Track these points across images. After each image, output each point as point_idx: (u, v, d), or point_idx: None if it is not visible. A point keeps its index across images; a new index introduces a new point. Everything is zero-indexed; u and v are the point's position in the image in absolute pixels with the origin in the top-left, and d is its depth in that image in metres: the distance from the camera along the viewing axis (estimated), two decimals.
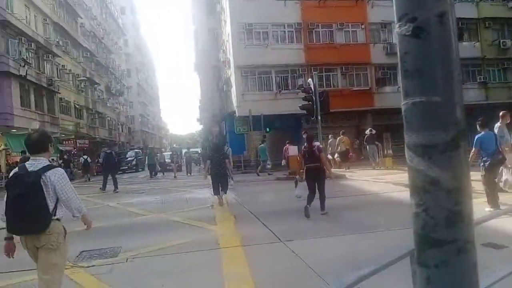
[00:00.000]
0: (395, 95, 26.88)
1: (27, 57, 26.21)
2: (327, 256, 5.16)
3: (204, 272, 4.94)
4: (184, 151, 29.05)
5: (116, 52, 57.55)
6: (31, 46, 27.01)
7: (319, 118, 16.17)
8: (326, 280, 4.16)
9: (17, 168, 3.63)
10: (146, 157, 27.53)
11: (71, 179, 18.26)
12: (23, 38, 25.88)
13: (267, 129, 23.81)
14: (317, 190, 8.22)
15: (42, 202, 3.28)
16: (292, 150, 18.57)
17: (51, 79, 30.40)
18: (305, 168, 8.32)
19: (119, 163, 23.34)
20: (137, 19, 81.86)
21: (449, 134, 1.07)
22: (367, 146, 19.53)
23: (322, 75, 26.06)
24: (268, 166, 20.09)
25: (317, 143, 8.47)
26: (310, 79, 17.27)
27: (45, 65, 30.52)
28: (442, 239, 1.09)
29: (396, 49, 1.18)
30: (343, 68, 26.66)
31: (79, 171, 30.94)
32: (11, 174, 3.60)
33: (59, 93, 32.75)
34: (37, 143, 3.55)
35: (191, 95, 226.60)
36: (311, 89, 16.44)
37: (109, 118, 49.94)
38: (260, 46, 25.73)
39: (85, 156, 28.92)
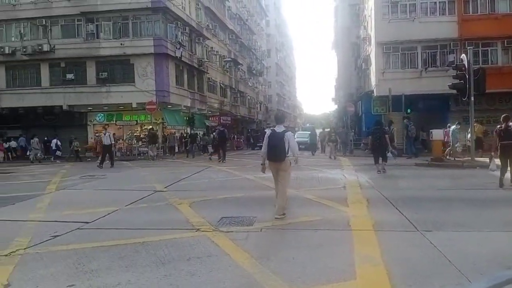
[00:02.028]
0: None
1: (182, 40, 29.20)
2: (470, 252, 4.66)
3: (334, 250, 4.95)
4: (319, 131, 29.21)
5: (258, 33, 60.02)
6: (185, 30, 29.98)
7: (472, 99, 14.42)
8: (468, 277, 3.77)
9: (269, 130, 7.25)
10: (309, 136, 28.51)
11: (192, 153, 19.35)
12: (179, 22, 28.85)
13: (408, 110, 22.21)
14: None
15: (284, 147, 6.75)
16: (437, 134, 17.02)
17: (201, 60, 33.42)
18: (499, 145, 9.35)
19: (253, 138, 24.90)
20: None
21: None
22: None
23: (478, 51, 23.08)
24: (458, 150, 18.23)
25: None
26: (463, 55, 15.43)
27: (197, 47, 33.62)
28: None
29: None
30: (505, 42, 23.12)
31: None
32: (267, 133, 7.06)
33: (208, 73, 35.84)
34: (280, 118, 7.70)
35: (327, 75, 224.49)
36: (464, 66, 14.69)
37: (249, 97, 52.84)
38: (405, 20, 23.95)
39: (214, 133, 31.96)
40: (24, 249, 5.18)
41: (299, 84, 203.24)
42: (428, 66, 23.87)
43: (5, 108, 28.41)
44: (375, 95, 25.34)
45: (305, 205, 8.04)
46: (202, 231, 5.90)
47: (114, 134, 21.71)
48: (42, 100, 27.72)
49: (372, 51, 26.03)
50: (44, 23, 27.34)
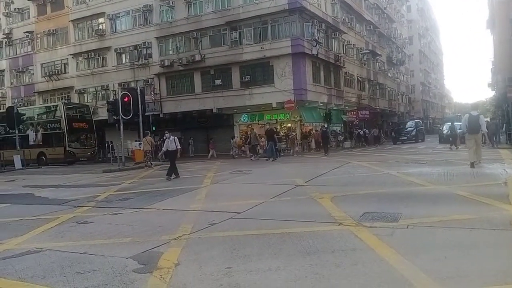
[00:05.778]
0: None
1: (318, 37, 29.42)
2: None
3: (493, 251, 4.49)
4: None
5: (398, 20, 56.64)
6: (321, 26, 30.12)
7: None
8: None
9: (467, 114, 12.32)
10: (449, 128, 27.05)
11: (277, 153, 22.65)
12: (315, 20, 29.13)
13: None
14: None
15: (479, 124, 12.13)
16: None
17: (337, 55, 33.16)
18: None
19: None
20: None
21: None
22: None
23: None
24: None
25: None
26: None
27: (333, 42, 33.46)
28: None
29: None
30: None
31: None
32: (466, 116, 12.28)
33: (344, 67, 35.34)
34: (475, 107, 15.75)
35: (481, 58, 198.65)
36: None
37: (389, 89, 50.27)
38: None
39: (365, 129, 34.52)
40: (189, 234, 5.99)
41: (447, 70, 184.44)
42: None
43: (167, 113, 32.76)
44: None
45: (457, 202, 7.39)
46: (345, 225, 5.95)
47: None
48: (196, 105, 31.15)
49: None
50: (195, 35, 30.65)
